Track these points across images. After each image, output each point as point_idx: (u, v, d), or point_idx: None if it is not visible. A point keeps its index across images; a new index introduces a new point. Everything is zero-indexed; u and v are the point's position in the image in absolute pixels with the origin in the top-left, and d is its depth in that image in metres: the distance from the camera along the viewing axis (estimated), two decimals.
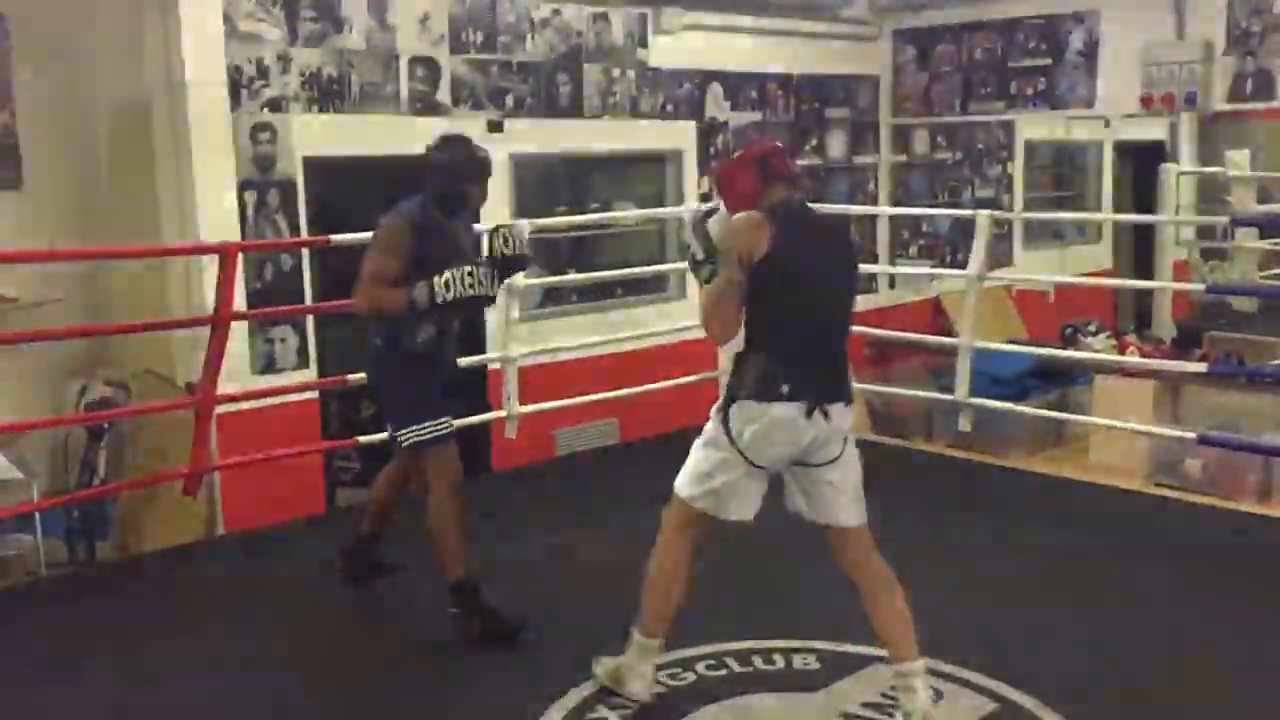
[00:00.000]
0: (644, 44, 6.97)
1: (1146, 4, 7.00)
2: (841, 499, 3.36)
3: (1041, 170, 10.00)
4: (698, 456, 3.40)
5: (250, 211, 5.47)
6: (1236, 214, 8.99)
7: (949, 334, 7.00)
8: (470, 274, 3.80)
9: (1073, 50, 7.42)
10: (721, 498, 3.38)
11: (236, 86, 5.40)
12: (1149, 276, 9.01)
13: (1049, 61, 7.55)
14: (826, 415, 3.25)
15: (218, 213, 5.33)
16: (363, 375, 5.53)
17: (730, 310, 3.28)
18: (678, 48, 7.10)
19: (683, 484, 3.43)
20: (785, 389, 3.22)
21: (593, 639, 3.98)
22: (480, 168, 4.05)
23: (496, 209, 6.23)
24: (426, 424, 3.91)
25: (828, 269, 3.35)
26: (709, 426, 3.39)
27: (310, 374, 5.69)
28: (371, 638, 4.30)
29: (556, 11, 6.56)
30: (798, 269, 3.25)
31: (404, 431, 3.97)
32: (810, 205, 3.53)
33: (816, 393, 3.24)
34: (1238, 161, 9.56)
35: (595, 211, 7.06)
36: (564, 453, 6.65)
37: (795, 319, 3.27)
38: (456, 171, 3.99)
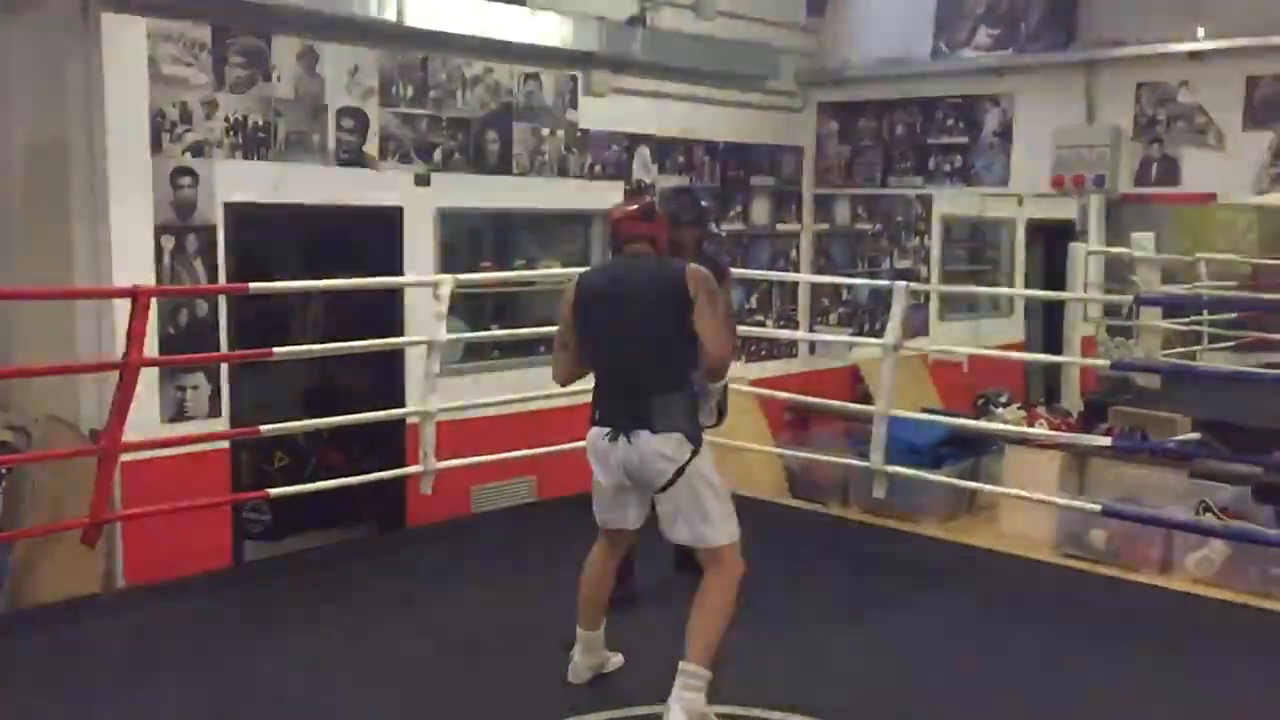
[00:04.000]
0: (574, 105, 7.05)
1: (1059, 89, 7.28)
2: (677, 521, 3.86)
3: (957, 244, 10.28)
4: None
5: (168, 256, 5.38)
6: (1141, 294, 9.32)
7: (868, 401, 7.10)
8: None
9: (989, 130, 7.68)
10: (599, 509, 4.04)
11: (159, 130, 5.33)
12: (1058, 351, 9.26)
13: (966, 140, 7.79)
14: (630, 439, 3.81)
15: (133, 256, 5.24)
16: (276, 426, 5.48)
17: (559, 361, 4.12)
18: (607, 110, 7.19)
19: None
20: (596, 414, 3.94)
21: (511, 689, 3.93)
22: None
23: (421, 263, 6.26)
24: None
25: (624, 317, 3.89)
26: None
27: (222, 424, 5.57)
28: (275, 698, 4.17)
29: (488, 70, 6.61)
30: (590, 319, 3.95)
31: None
32: (634, 260, 4.02)
33: (621, 419, 3.84)
34: (1143, 243, 9.92)
35: (520, 268, 7.08)
36: (480, 509, 6.59)
37: (599, 360, 3.98)
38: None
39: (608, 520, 4.05)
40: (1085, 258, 9.39)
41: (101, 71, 5.16)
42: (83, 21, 5.17)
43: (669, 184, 7.62)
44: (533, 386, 6.42)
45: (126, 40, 5.22)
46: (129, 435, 4.76)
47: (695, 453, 3.80)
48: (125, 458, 4.92)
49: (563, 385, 4.15)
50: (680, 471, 3.77)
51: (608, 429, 3.85)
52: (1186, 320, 9.78)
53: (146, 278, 5.21)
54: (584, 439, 3.97)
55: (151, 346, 5.11)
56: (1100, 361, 8.46)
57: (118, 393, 4.61)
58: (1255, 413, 7.19)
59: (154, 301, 4.94)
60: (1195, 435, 6.73)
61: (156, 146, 5.33)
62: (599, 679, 4.18)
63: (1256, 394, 7.69)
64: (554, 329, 6.65)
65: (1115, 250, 9.87)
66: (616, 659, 4.27)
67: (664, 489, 3.81)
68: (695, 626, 3.74)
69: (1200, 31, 6.62)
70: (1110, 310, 9.78)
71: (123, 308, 4.75)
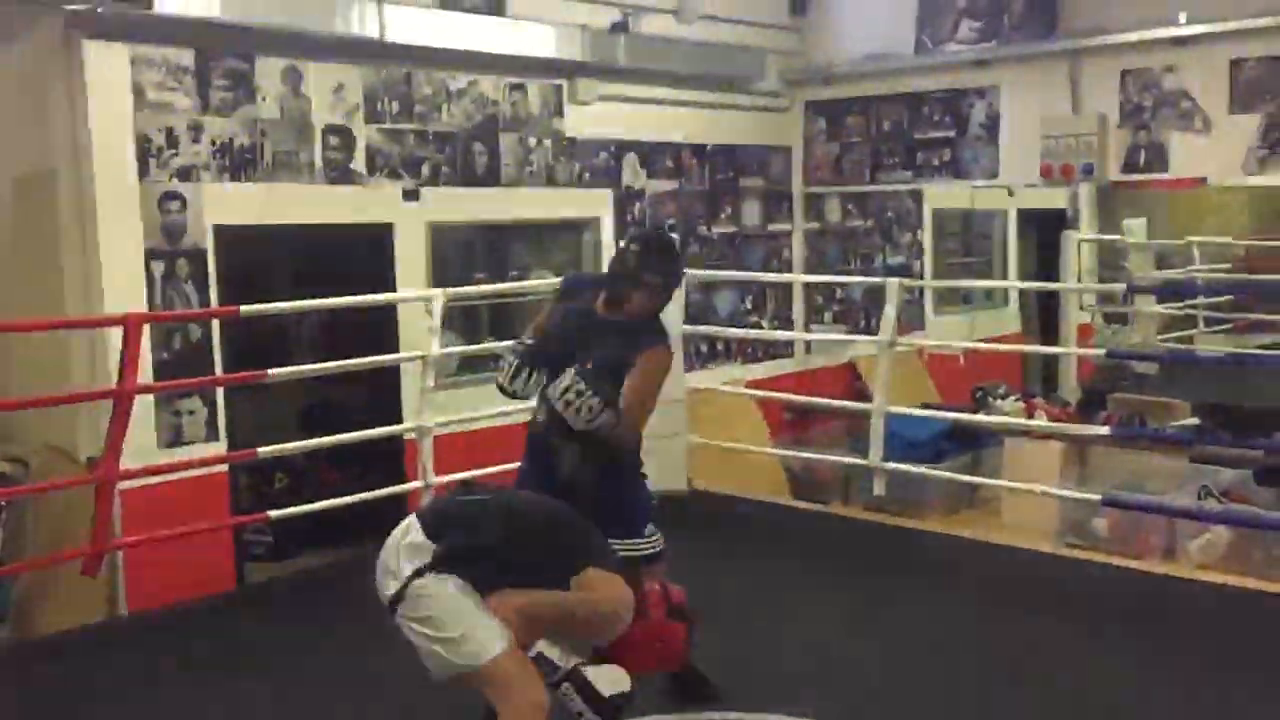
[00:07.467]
0: (560, 113, 7.05)
1: (1044, 79, 7.29)
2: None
3: (950, 237, 10.26)
4: None
5: (159, 282, 5.37)
6: (1133, 280, 9.31)
7: (866, 398, 7.10)
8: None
9: (975, 123, 7.69)
10: None
11: (145, 155, 5.33)
12: (1055, 340, 9.25)
13: (953, 133, 7.80)
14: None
15: (123, 283, 5.24)
16: (273, 447, 5.47)
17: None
18: (594, 118, 7.20)
19: None
20: None
21: None
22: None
23: (413, 278, 6.25)
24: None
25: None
26: None
27: (220, 447, 5.56)
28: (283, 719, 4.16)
29: (473, 82, 6.61)
30: None
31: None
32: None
33: None
34: (1134, 230, 9.90)
35: (513, 280, 7.08)
36: None
37: None
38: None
39: None
40: (1078, 246, 9.38)
41: (86, 99, 5.16)
42: (65, 50, 5.18)
43: (659, 188, 7.62)
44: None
45: (109, 67, 5.22)
46: (126, 462, 4.75)
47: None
48: (124, 485, 4.90)
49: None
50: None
51: None
52: (1181, 305, 9.77)
53: (138, 304, 5.21)
54: None
55: (146, 373, 5.11)
56: (1095, 351, 8.46)
57: (113, 421, 4.60)
58: (1253, 395, 7.17)
59: (146, 328, 4.94)
60: (1194, 420, 6.72)
61: (143, 172, 5.33)
62: None
63: (1254, 376, 7.66)
64: None
65: (1107, 238, 9.86)
66: None
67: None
68: None
69: (1183, 16, 6.63)
70: (1106, 297, 9.77)
71: (115, 335, 4.74)
